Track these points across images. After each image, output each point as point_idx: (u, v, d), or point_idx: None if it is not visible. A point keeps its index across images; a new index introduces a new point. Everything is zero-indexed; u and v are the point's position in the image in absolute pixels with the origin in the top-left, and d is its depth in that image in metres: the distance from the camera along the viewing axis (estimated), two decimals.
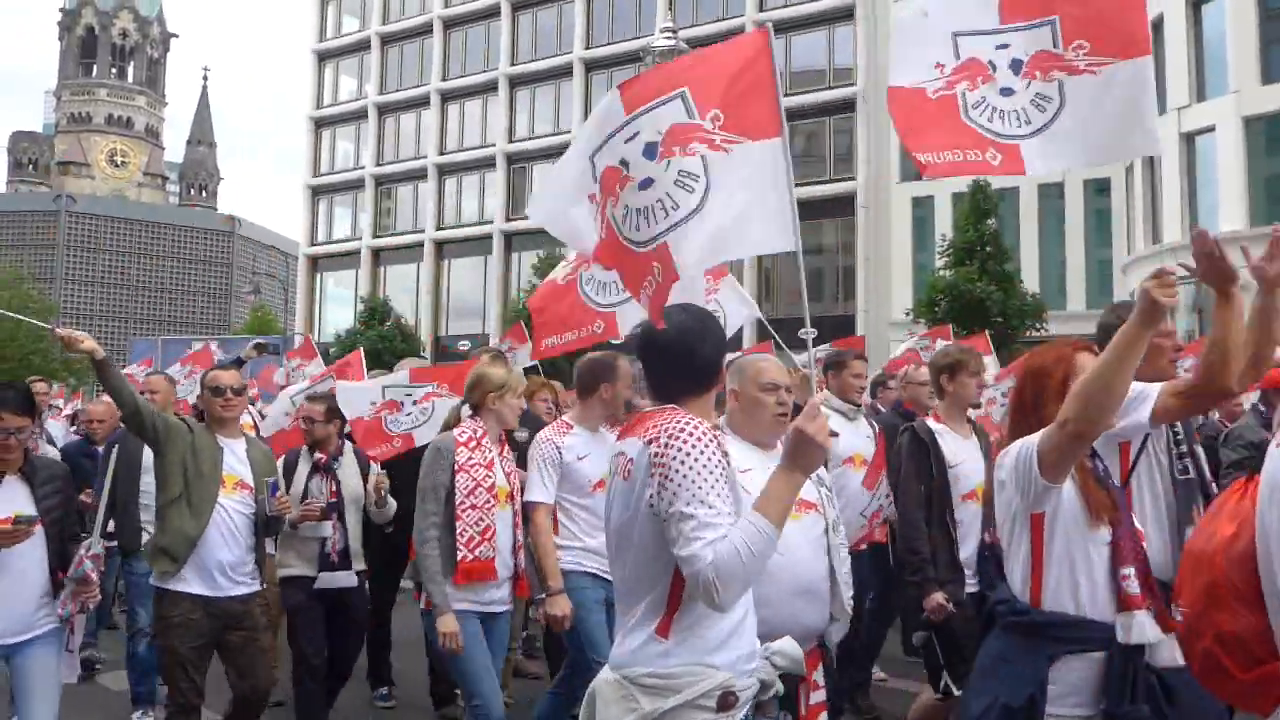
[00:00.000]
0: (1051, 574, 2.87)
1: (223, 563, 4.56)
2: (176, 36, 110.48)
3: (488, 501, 4.40)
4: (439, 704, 6.33)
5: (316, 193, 48.74)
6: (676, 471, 2.45)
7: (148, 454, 5.87)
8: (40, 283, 66.13)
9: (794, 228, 3.38)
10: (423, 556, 4.35)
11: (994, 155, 3.58)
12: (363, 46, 47.69)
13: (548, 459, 4.74)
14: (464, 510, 4.36)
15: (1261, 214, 23.97)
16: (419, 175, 44.84)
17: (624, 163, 3.50)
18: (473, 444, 4.50)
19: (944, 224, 31.03)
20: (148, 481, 5.63)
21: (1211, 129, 25.63)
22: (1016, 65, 3.62)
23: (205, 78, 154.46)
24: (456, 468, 4.42)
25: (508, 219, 42.02)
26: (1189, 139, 25.64)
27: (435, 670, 6.26)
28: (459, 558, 4.31)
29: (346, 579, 5.46)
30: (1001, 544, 3.06)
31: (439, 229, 44.13)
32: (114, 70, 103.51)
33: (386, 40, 46.96)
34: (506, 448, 4.72)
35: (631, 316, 5.54)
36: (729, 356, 6.11)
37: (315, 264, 48.77)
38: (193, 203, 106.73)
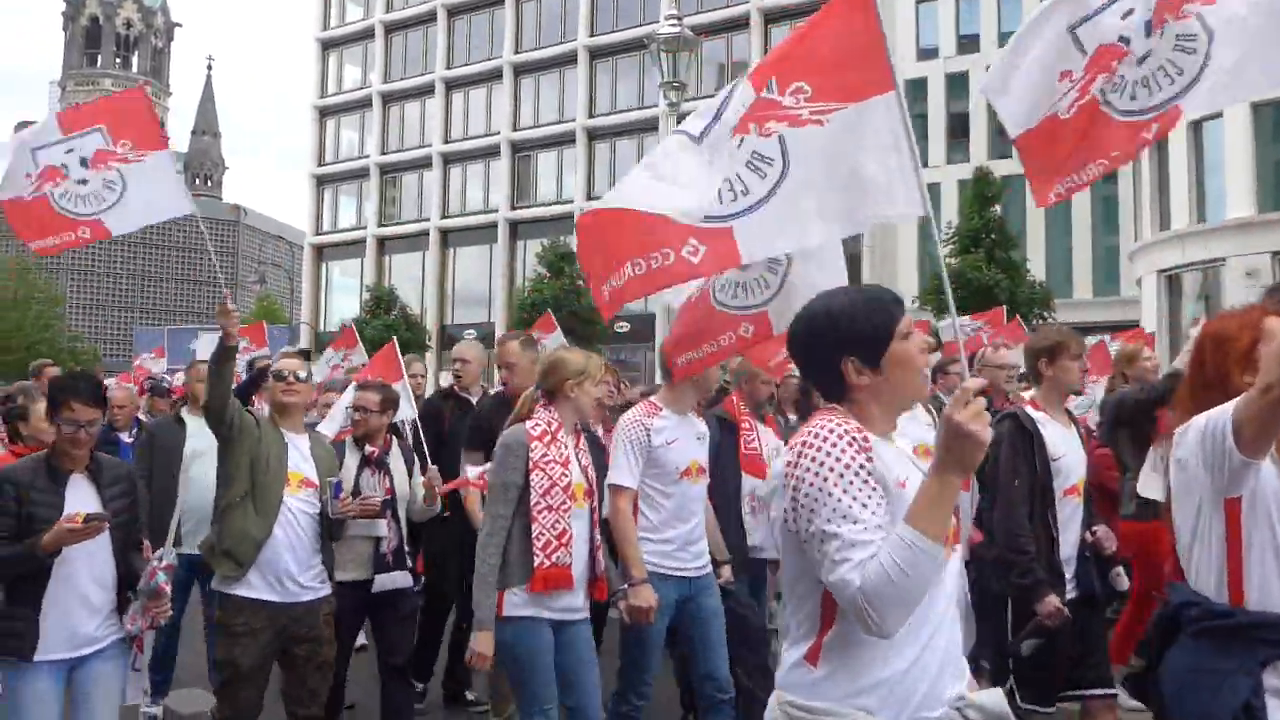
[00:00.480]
0: (1254, 567, 2.51)
1: (289, 566, 4.31)
2: (180, 26, 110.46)
3: (564, 503, 3.99)
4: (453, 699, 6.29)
5: (321, 182, 48.73)
6: (810, 484, 2.13)
7: (188, 447, 5.74)
8: (47, 273, 66.23)
9: (921, 190, 3.10)
10: (480, 560, 3.94)
11: (1148, 131, 3.38)
12: (367, 35, 47.60)
13: (634, 441, 4.42)
14: (539, 512, 3.94)
15: (1269, 200, 23.87)
16: (424, 164, 44.80)
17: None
18: (547, 438, 4.05)
19: (949, 212, 30.95)
20: (184, 478, 5.54)
21: (1219, 115, 25.47)
22: (1146, 27, 3.34)
23: (209, 67, 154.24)
24: (530, 465, 3.98)
25: (513, 207, 41.99)
26: (1196, 125, 25.49)
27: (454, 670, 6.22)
28: (535, 564, 3.90)
29: (402, 579, 5.16)
30: (1181, 538, 2.69)
31: (444, 218, 44.09)
32: (118, 60, 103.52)
33: (390, 28, 46.87)
34: (582, 439, 4.30)
35: (785, 312, 5.00)
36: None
37: (320, 253, 48.77)
38: (198, 192, 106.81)
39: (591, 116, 40.51)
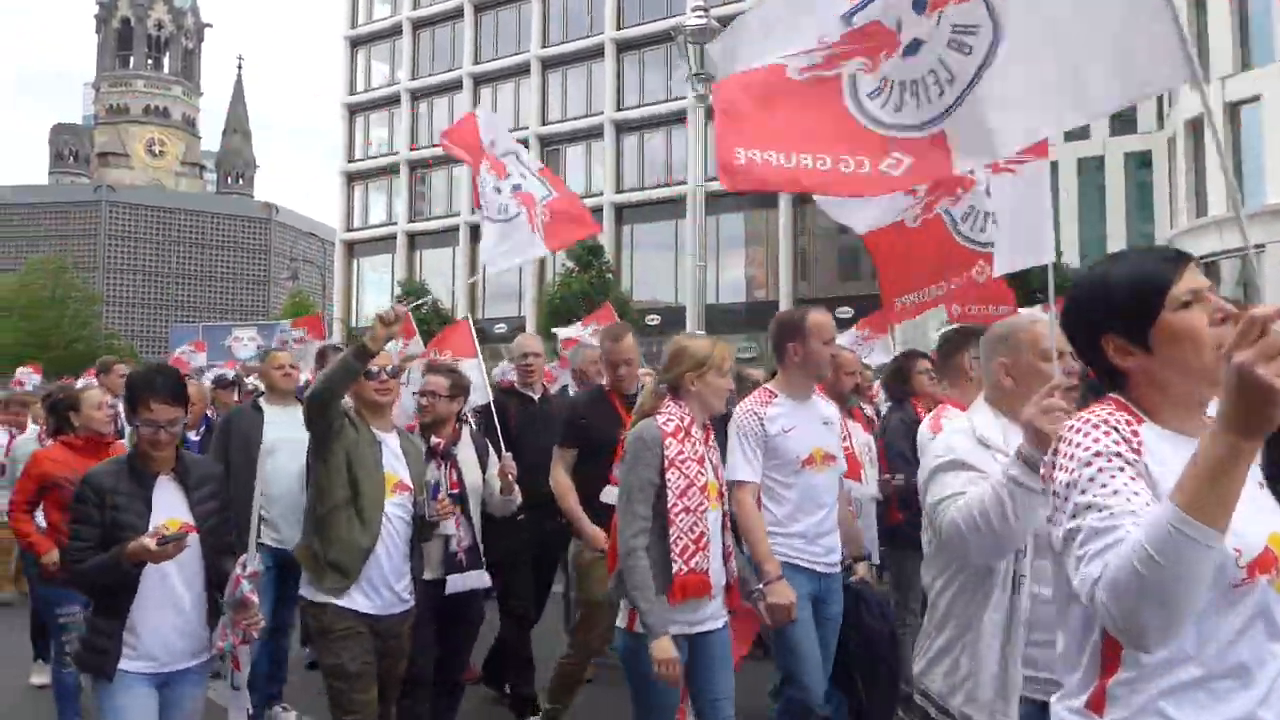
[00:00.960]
0: None
1: (386, 576, 4.04)
2: (210, 26, 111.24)
3: (701, 503, 3.67)
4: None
5: (352, 179, 49.00)
6: (1057, 482, 1.75)
7: (267, 438, 5.42)
8: (83, 272, 67.08)
9: (1189, 57, 2.37)
10: (629, 570, 3.61)
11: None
12: (395, 32, 47.78)
13: (749, 433, 4.16)
14: (677, 514, 3.62)
15: None
16: (453, 160, 44.81)
17: (898, 23, 2.75)
18: (681, 434, 3.72)
19: None
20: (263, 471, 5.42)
21: (1257, 98, 25.12)
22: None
23: (239, 67, 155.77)
24: (666, 463, 3.65)
25: None
26: (1234, 109, 25.13)
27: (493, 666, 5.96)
28: (674, 570, 3.59)
29: (479, 579, 4.86)
30: None
31: (474, 212, 44.17)
32: (150, 62, 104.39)
33: (418, 25, 47.01)
34: (712, 435, 3.95)
35: (1006, 253, 4.28)
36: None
37: (352, 249, 49.05)
38: (229, 191, 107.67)
39: (619, 109, 40.46)
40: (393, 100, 47.50)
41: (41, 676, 6.72)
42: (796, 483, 4.18)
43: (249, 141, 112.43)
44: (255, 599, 3.49)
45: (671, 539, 3.61)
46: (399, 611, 4.13)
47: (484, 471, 5.08)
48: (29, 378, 14.75)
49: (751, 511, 4.07)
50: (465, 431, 5.18)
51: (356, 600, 3.99)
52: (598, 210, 39.86)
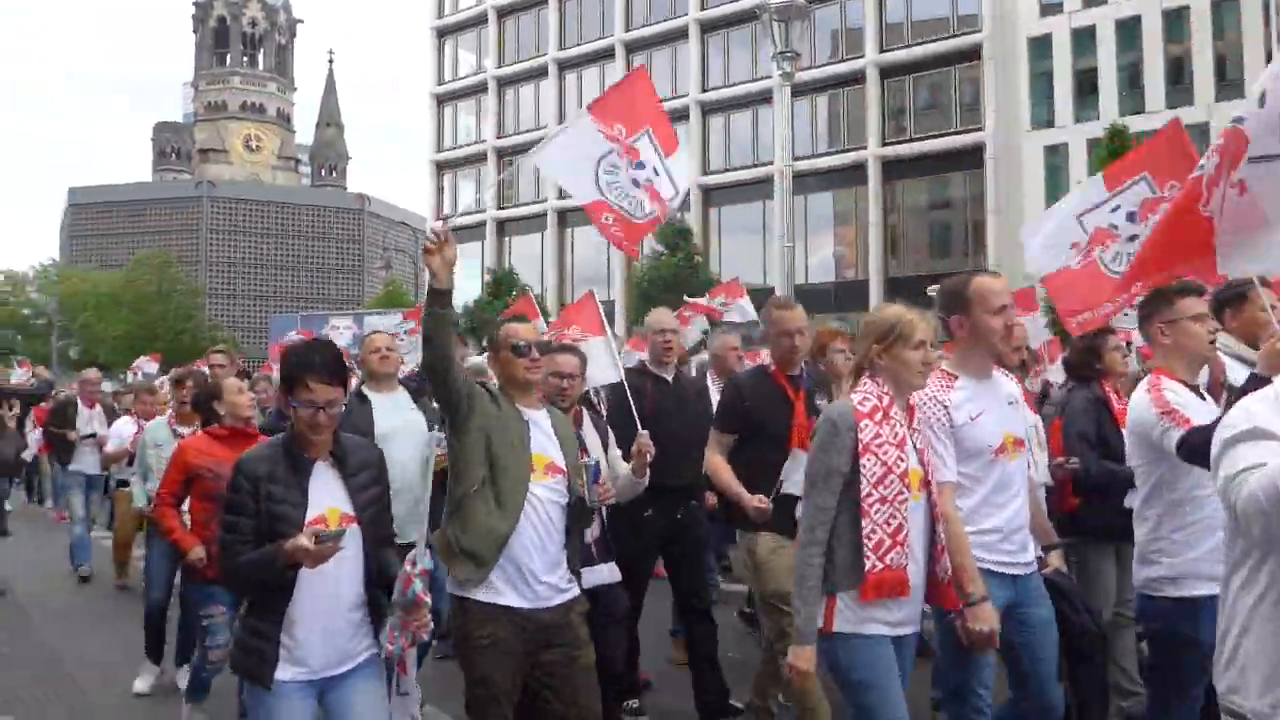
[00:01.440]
0: None
1: (535, 566, 3.59)
2: (302, 22, 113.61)
3: (900, 493, 3.26)
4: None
5: (441, 168, 49.69)
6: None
7: (378, 428, 5.09)
8: (186, 265, 69.25)
9: None
10: (803, 564, 3.27)
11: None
12: (480, 21, 48.25)
13: (937, 423, 3.62)
14: (870, 505, 3.23)
15: None
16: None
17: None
18: (879, 415, 3.32)
19: (1079, 172, 29.82)
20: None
21: None
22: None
23: (330, 61, 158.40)
24: (860, 447, 3.26)
25: None
26: None
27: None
28: (866, 567, 3.21)
29: (610, 573, 4.56)
30: None
31: (561, 198, 44.48)
32: (245, 58, 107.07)
33: (503, 13, 47.40)
34: (915, 417, 3.51)
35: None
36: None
37: None
38: (323, 183, 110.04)
39: (705, 90, 40.28)
40: (480, 89, 48.00)
41: (146, 680, 6.32)
42: (989, 475, 3.66)
43: (341, 134, 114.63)
44: (427, 599, 3.20)
45: (865, 532, 3.23)
46: (558, 603, 3.66)
47: (606, 454, 4.74)
48: (147, 366, 15.22)
49: (954, 516, 3.52)
50: (585, 414, 4.90)
51: (503, 593, 3.57)
52: (684, 193, 39.75)
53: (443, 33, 50.18)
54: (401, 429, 5.15)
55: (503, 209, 46.80)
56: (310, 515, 3.18)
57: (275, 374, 12.44)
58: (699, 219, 38.79)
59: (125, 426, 8.83)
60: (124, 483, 8.83)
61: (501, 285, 38.47)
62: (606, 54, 43.25)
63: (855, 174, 36.14)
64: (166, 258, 61.76)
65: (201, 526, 5.17)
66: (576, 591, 3.75)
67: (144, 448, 6.63)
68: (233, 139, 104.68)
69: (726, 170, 39.64)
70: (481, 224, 47.07)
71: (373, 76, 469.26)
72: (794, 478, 4.34)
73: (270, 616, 3.19)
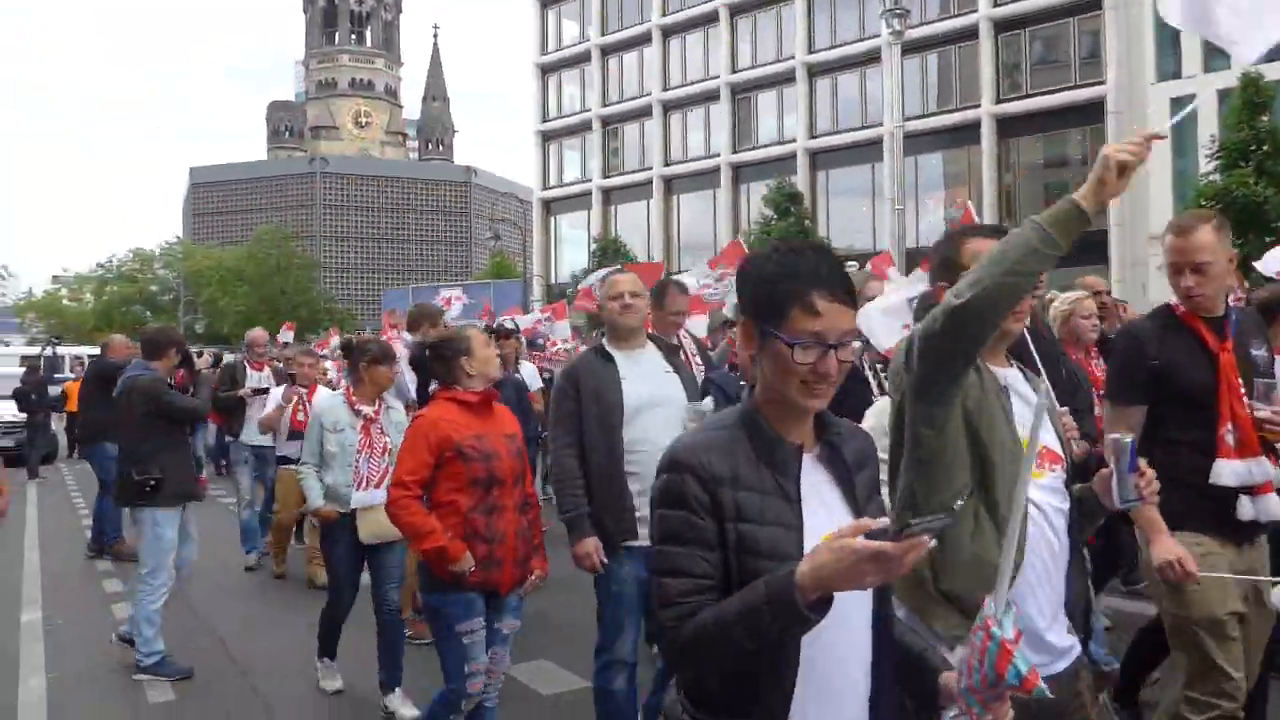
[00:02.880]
0: None
1: (1035, 611, 2.30)
2: None
3: None
4: None
5: (546, 138, 49.96)
6: None
7: (628, 396, 4.14)
8: (302, 240, 71.15)
9: None
10: None
11: None
12: None
13: None
14: None
15: None
16: (644, 113, 45.11)
17: None
18: None
19: (1208, 125, 28.50)
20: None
21: None
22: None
23: (435, 35, 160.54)
24: None
25: (734, 150, 41.74)
26: None
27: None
28: None
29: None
30: None
31: (666, 165, 44.37)
32: (353, 36, 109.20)
33: None
34: None
35: None
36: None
37: (548, 207, 50.17)
38: (430, 157, 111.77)
39: (811, 52, 39.59)
40: (583, 58, 48.03)
41: (333, 680, 5.72)
42: None
43: (447, 107, 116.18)
44: (1038, 682, 1.67)
45: None
46: (1063, 668, 2.38)
47: None
48: (284, 335, 15.68)
49: None
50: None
51: None
52: (791, 157, 39.29)
53: (546, 2, 50.28)
54: (661, 398, 4.14)
55: (608, 177, 46.90)
56: (813, 542, 1.70)
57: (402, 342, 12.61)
58: (806, 184, 38.25)
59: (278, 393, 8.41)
60: (286, 459, 8.30)
61: (608, 253, 38.61)
62: (710, 18, 42.78)
63: (967, 133, 35.18)
64: (285, 233, 63.61)
65: (449, 517, 4.04)
66: (1076, 647, 2.44)
67: (317, 431, 5.54)
68: (343, 116, 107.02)
69: (834, 133, 38.97)
70: (587, 193, 47.26)
71: (477, 49, 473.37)
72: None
73: (774, 684, 1.79)
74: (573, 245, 48.53)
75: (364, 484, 5.33)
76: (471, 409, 4.13)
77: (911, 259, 25.50)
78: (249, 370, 10.00)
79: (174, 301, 61.81)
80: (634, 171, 45.78)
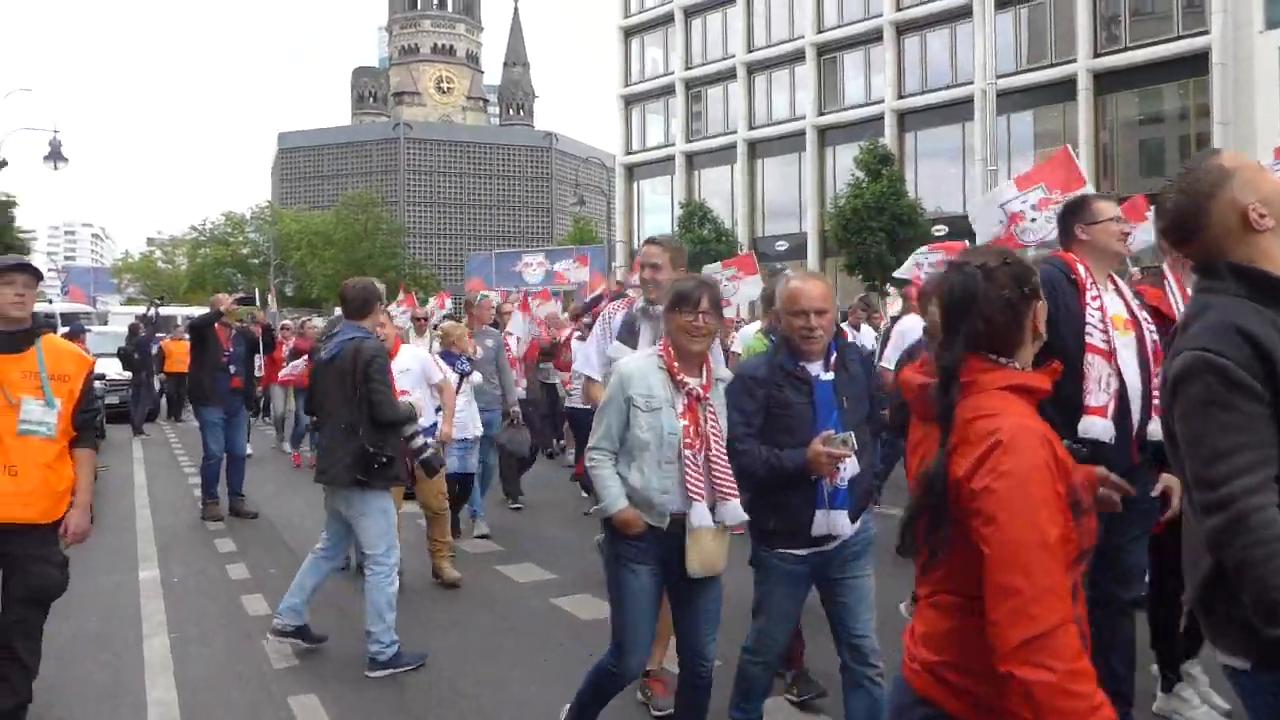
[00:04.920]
0: None
1: None
2: None
3: None
4: None
5: (629, 102, 49.74)
6: None
7: None
8: (387, 205, 72.08)
9: None
10: None
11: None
12: None
13: None
14: None
15: None
16: (728, 76, 44.61)
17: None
18: None
19: None
20: None
21: None
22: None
23: (516, 0, 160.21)
24: None
25: (820, 113, 41.09)
26: None
27: None
28: None
29: None
30: None
31: (750, 129, 43.87)
32: (435, 1, 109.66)
33: None
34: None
35: None
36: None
37: (631, 172, 50.03)
38: (510, 122, 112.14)
39: (899, 10, 38.67)
40: (667, 20, 47.60)
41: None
42: None
43: (528, 73, 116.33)
44: None
45: None
46: None
47: None
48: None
49: None
50: None
51: None
52: (878, 119, 38.54)
53: None
54: None
55: (691, 142, 46.55)
56: None
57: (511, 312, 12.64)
58: (894, 145, 37.50)
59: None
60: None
61: (694, 218, 38.38)
62: None
63: (1061, 89, 34.10)
64: (372, 198, 64.46)
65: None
66: None
67: (619, 404, 3.89)
68: (425, 81, 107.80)
69: (923, 92, 38.11)
70: (670, 158, 47.00)
71: (558, 13, 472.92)
72: None
73: None
74: (655, 211, 48.37)
75: (707, 494, 3.84)
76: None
77: None
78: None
79: (264, 265, 63.11)
80: (717, 135, 45.37)
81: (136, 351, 19.32)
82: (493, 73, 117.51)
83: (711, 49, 45.88)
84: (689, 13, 46.59)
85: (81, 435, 4.50)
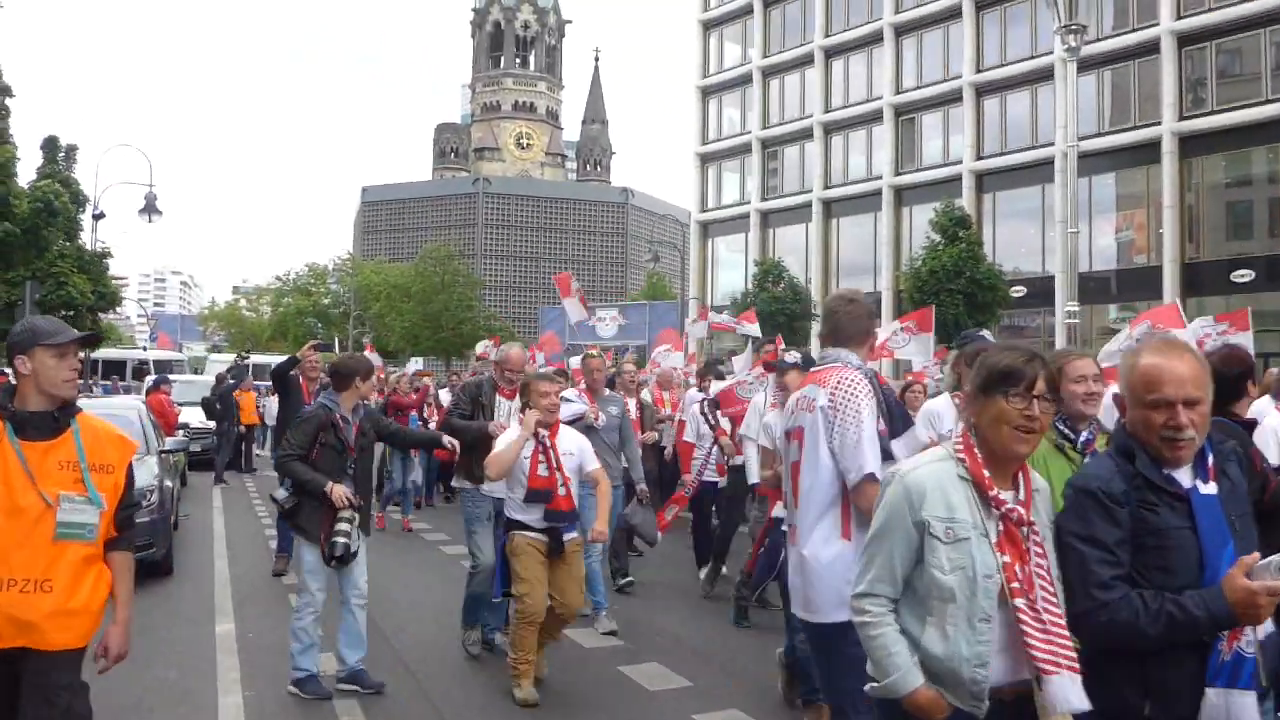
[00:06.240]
0: None
1: None
2: (570, 22, 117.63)
3: None
4: None
5: (705, 160, 50.15)
6: None
7: None
8: (465, 258, 73.22)
9: None
10: None
11: None
12: (746, 11, 48.26)
13: None
14: None
15: None
16: (805, 135, 44.79)
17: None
18: None
19: None
20: None
21: None
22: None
23: (596, 59, 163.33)
24: None
25: (897, 173, 41.00)
26: None
27: None
28: None
29: None
30: None
31: (826, 188, 43.90)
32: (518, 60, 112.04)
33: (769, 2, 47.19)
34: None
35: None
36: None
37: (706, 229, 50.29)
38: (587, 178, 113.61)
39: (979, 71, 38.57)
40: (745, 80, 48.06)
41: None
42: None
43: (606, 130, 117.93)
44: None
45: None
46: None
47: None
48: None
49: None
50: None
51: None
52: (956, 179, 38.30)
53: (709, 25, 50.58)
54: None
55: (766, 200, 46.71)
56: None
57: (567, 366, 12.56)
58: (972, 206, 37.20)
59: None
60: (522, 524, 6.21)
61: (769, 276, 38.31)
62: (874, 39, 42.20)
63: (1145, 152, 33.59)
64: (450, 251, 65.42)
65: None
66: None
67: (906, 530, 2.71)
68: (505, 137, 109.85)
69: (1002, 154, 37.83)
70: (745, 215, 47.18)
71: (638, 72, 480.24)
72: None
73: None
74: (729, 267, 48.51)
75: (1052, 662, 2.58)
76: None
77: (1084, 283, 24.45)
78: (498, 397, 7.49)
79: (344, 315, 64.38)
80: (793, 194, 45.47)
81: (219, 401, 19.81)
82: (572, 129, 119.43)
83: (789, 108, 46.14)
84: (767, 73, 46.99)
85: (120, 536, 3.61)
